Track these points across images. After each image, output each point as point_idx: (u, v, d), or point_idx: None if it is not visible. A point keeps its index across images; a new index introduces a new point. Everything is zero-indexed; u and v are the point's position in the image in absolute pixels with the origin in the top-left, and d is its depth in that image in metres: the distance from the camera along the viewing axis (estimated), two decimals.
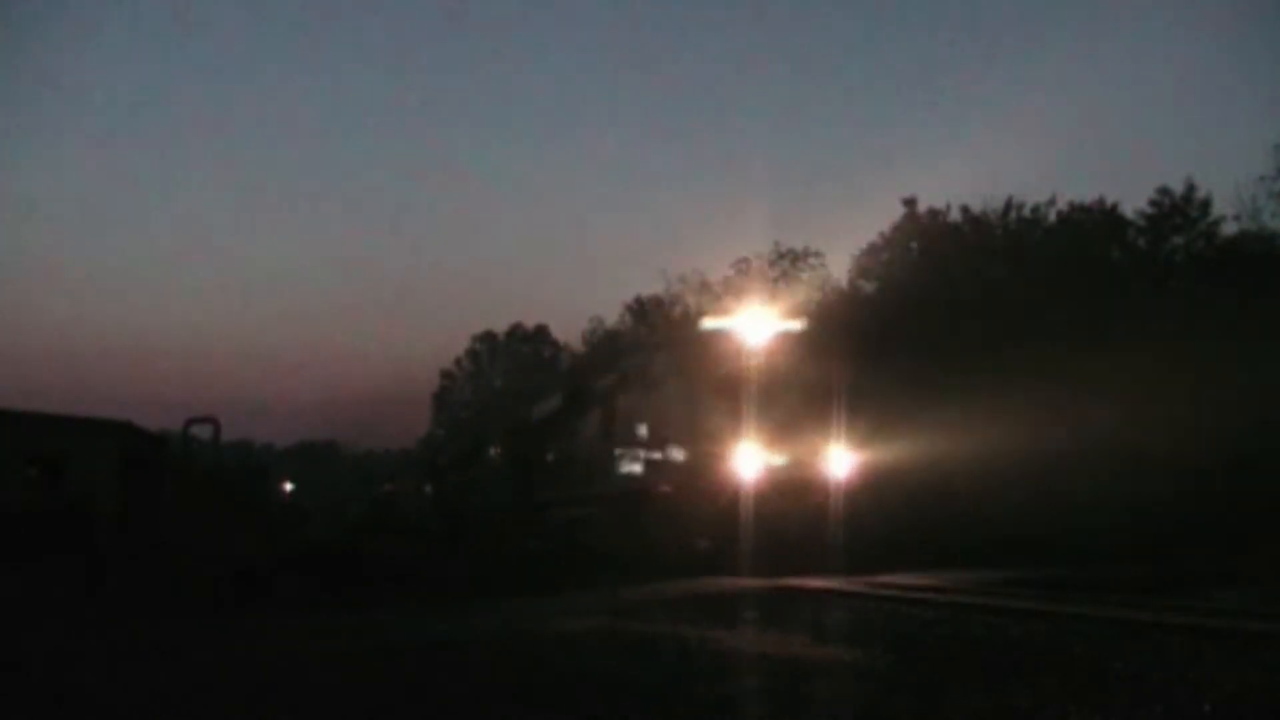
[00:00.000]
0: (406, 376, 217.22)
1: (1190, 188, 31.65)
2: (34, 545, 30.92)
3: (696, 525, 16.18)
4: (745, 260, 55.64)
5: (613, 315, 77.29)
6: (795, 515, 15.48)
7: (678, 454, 17.41)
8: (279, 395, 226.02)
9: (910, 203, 46.55)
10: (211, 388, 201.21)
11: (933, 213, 40.58)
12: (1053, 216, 34.28)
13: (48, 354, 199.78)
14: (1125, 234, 32.74)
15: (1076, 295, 26.54)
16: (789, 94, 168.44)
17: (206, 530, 48.81)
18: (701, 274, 66.43)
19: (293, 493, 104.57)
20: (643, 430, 18.68)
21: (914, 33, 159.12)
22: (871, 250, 41.31)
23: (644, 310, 66.08)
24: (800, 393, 16.40)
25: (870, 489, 16.40)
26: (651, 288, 69.01)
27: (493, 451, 34.74)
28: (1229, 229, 29.98)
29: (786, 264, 54.14)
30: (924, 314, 28.58)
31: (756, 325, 16.70)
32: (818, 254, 53.20)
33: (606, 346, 64.32)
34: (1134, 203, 32.81)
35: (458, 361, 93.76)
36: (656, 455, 17.99)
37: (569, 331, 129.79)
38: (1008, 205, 34.88)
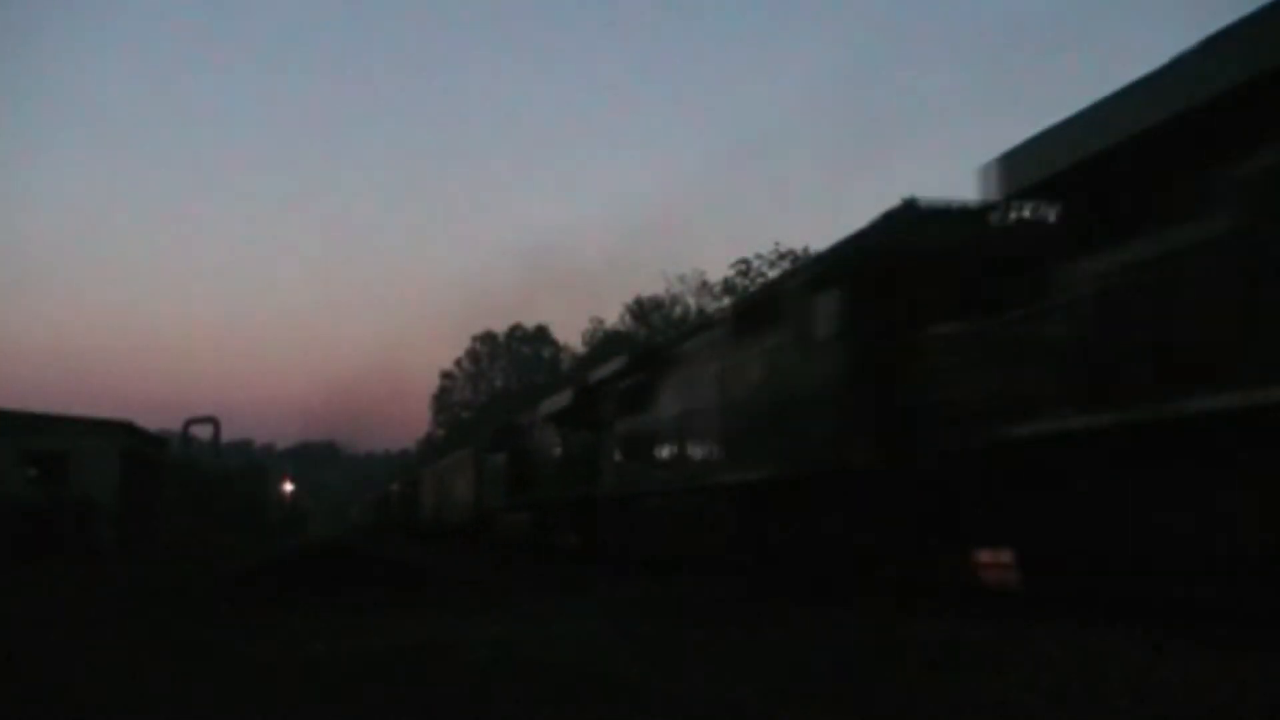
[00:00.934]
0: (406, 377, 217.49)
1: None
2: (34, 544, 30.99)
3: None
4: (745, 261, 55.83)
5: (613, 315, 77.52)
6: None
7: None
8: (279, 395, 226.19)
9: (910, 202, 46.70)
10: (211, 388, 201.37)
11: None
12: (1053, 216, 34.23)
13: (48, 354, 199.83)
14: None
15: None
16: (789, 94, 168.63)
17: (206, 530, 48.67)
18: (702, 274, 66.69)
19: (293, 493, 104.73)
20: None
21: (914, 33, 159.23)
22: None
23: (644, 310, 66.19)
24: None
25: None
26: (651, 288, 69.05)
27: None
28: None
29: (787, 264, 54.24)
30: None
31: None
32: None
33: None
34: None
35: (458, 362, 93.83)
36: None
37: (569, 331, 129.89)
38: (1007, 205, 34.92)
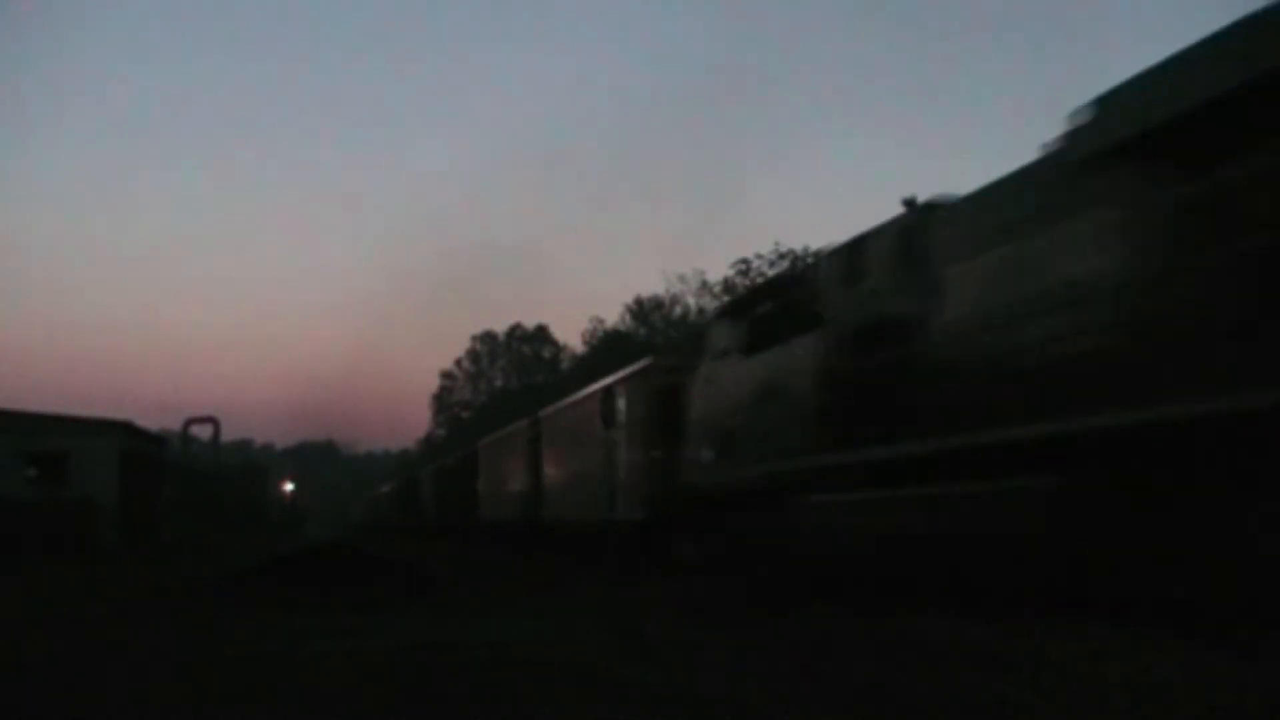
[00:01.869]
0: (406, 377, 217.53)
1: None
2: (34, 544, 30.99)
3: None
4: (745, 260, 55.82)
5: (613, 315, 77.53)
6: None
7: None
8: (279, 395, 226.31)
9: (910, 203, 46.72)
10: (211, 388, 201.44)
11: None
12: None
13: (48, 354, 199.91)
14: None
15: None
16: (789, 94, 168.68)
17: (206, 530, 48.68)
18: (702, 274, 66.67)
19: (293, 493, 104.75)
20: None
21: (915, 32, 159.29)
22: None
23: (644, 310, 66.19)
24: None
25: None
26: (651, 288, 69.00)
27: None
28: None
29: (786, 264, 54.26)
30: None
31: None
32: (818, 254, 53.37)
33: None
34: None
35: (458, 362, 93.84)
36: None
37: (569, 332, 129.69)
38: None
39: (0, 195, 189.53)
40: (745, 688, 6.35)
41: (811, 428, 11.60)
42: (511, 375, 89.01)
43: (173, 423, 65.44)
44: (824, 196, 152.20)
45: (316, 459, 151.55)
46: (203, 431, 58.26)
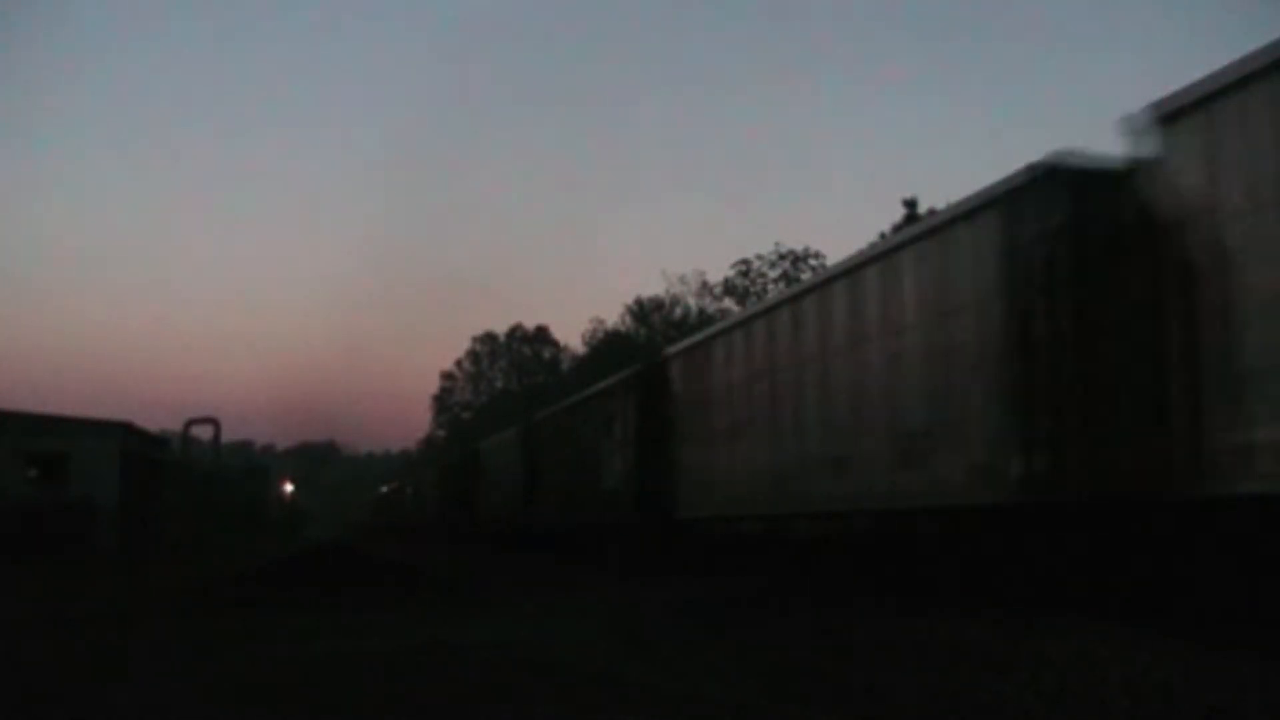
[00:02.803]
0: (406, 377, 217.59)
1: None
2: (35, 544, 30.99)
3: None
4: (745, 261, 55.85)
5: (613, 315, 77.50)
6: None
7: None
8: (279, 395, 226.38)
9: (910, 203, 46.69)
10: (211, 388, 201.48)
11: (933, 213, 40.63)
12: None
13: (48, 354, 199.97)
14: None
15: None
16: (789, 94, 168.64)
17: (206, 530, 48.68)
18: (702, 275, 66.66)
19: (293, 493, 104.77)
20: None
21: (914, 32, 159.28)
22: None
23: (644, 311, 66.19)
24: None
25: None
26: (651, 288, 68.94)
27: None
28: None
29: (787, 264, 54.30)
30: None
31: None
32: (818, 254, 53.37)
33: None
34: None
35: (458, 362, 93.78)
36: None
37: (569, 332, 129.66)
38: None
39: (0, 195, 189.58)
40: (746, 688, 6.35)
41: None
42: (512, 376, 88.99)
43: (173, 423, 65.40)
44: (825, 196, 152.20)
45: (317, 460, 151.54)
46: (203, 432, 58.18)
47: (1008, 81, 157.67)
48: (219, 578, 17.65)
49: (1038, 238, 9.53)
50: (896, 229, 42.84)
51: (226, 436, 68.16)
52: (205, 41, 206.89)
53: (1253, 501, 7.50)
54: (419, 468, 76.41)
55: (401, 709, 6.08)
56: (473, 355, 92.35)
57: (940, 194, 59.09)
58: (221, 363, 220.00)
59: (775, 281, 53.76)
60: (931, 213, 41.28)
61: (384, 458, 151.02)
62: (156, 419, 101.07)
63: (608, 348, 63.85)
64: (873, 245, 14.59)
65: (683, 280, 63.12)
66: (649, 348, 44.99)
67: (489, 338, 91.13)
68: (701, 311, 59.41)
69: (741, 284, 56.31)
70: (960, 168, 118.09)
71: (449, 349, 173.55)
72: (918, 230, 12.53)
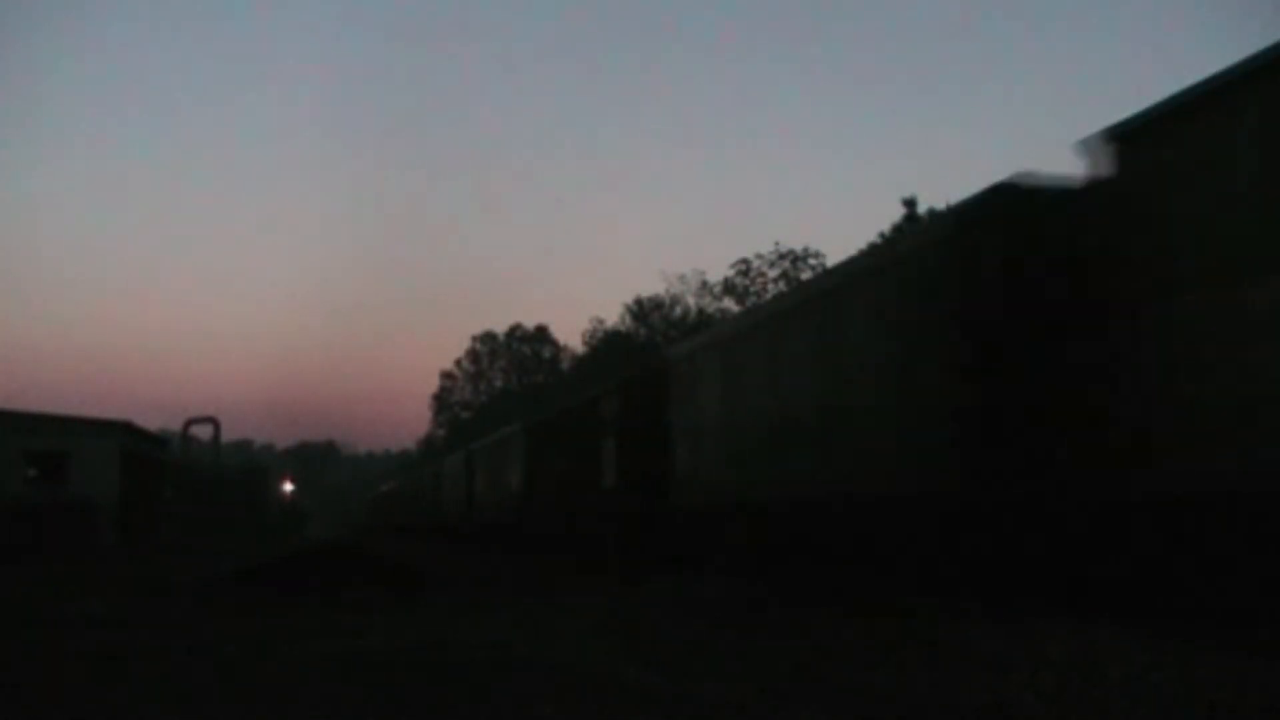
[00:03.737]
0: (406, 377, 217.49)
1: None
2: (35, 544, 31.01)
3: None
4: (745, 261, 55.81)
5: (613, 315, 77.50)
6: None
7: None
8: (279, 395, 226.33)
9: (910, 203, 46.67)
10: (211, 388, 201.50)
11: (932, 213, 40.60)
12: None
13: (48, 354, 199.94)
14: None
15: None
16: (789, 94, 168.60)
17: (206, 530, 48.74)
18: (702, 274, 66.61)
19: (293, 493, 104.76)
20: None
21: (914, 32, 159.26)
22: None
23: (644, 310, 66.18)
24: None
25: None
26: (651, 288, 68.87)
27: None
28: None
29: (787, 264, 54.26)
30: None
31: None
32: (818, 254, 53.34)
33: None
34: None
35: (458, 362, 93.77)
36: None
37: (569, 332, 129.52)
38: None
39: (1, 196, 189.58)
40: (745, 688, 6.35)
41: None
42: (512, 376, 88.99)
43: (173, 423, 65.46)
44: (825, 196, 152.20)
45: (317, 459, 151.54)
46: (203, 432, 58.22)
47: (1008, 82, 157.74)
48: (218, 578, 17.63)
49: (994, 254, 10.01)
50: (897, 229, 42.83)
51: (226, 436, 68.22)
52: (207, 40, 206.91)
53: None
54: (418, 466, 76.45)
55: (401, 709, 6.08)
56: (472, 355, 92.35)
57: (940, 194, 59.08)
58: (221, 363, 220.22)
59: (775, 281, 53.74)
60: (931, 213, 41.31)
61: (384, 457, 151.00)
62: (156, 419, 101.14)
63: (608, 347, 63.85)
64: (851, 257, 15.62)
65: (683, 280, 63.10)
66: (649, 347, 45.00)
67: (489, 337, 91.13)
68: (701, 311, 59.37)
69: (741, 284, 56.26)
70: (960, 168, 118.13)
71: (449, 349, 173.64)
72: (880, 250, 13.73)
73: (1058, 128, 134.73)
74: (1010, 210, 10.02)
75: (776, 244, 60.60)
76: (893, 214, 45.16)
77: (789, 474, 14.54)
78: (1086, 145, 9.19)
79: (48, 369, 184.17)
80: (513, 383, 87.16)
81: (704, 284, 61.02)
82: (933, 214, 39.96)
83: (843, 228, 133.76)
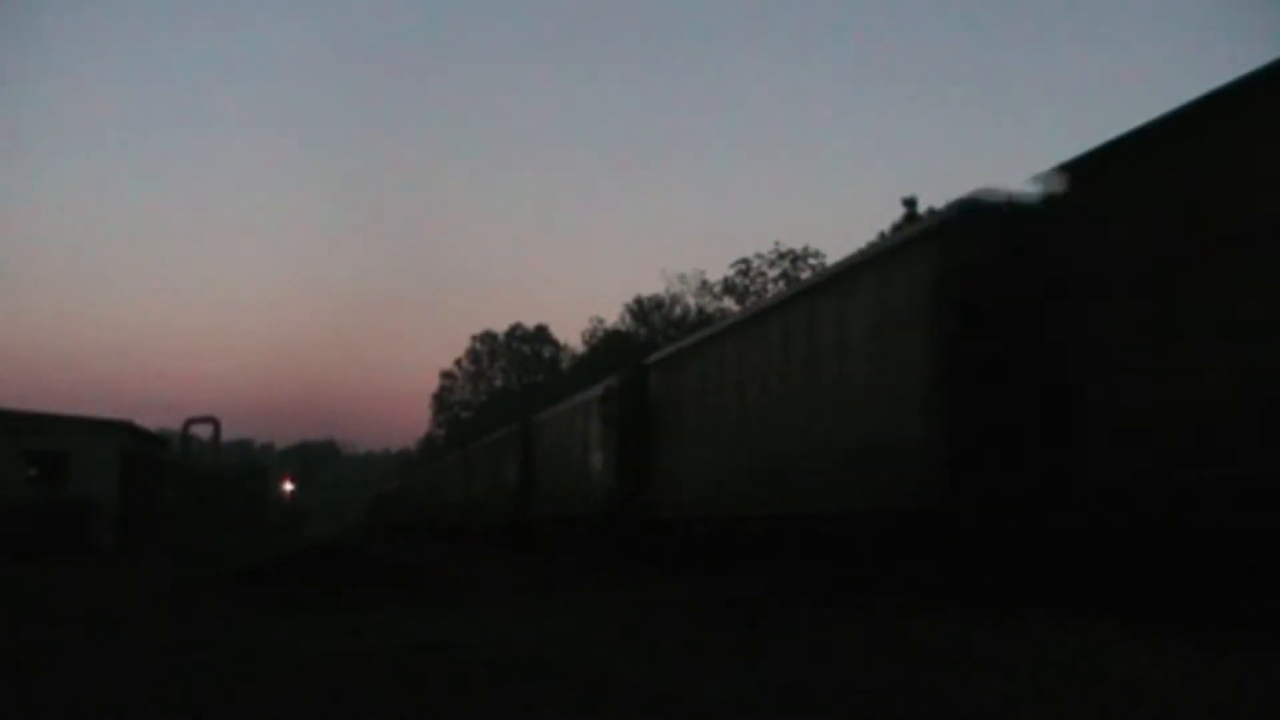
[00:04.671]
0: (406, 376, 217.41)
1: None
2: (34, 543, 30.99)
3: None
4: (745, 260, 55.79)
5: (613, 315, 77.54)
6: None
7: None
8: (279, 395, 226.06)
9: (910, 203, 46.66)
10: (211, 388, 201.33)
11: (932, 213, 40.56)
12: None
13: (48, 354, 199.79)
14: None
15: None
16: (790, 94, 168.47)
17: (206, 530, 48.73)
18: (702, 274, 66.65)
19: (293, 493, 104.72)
20: None
21: (915, 32, 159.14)
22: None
23: (644, 310, 66.16)
24: None
25: None
26: (651, 287, 68.77)
27: None
28: None
29: (786, 264, 54.25)
30: None
31: None
32: (817, 254, 53.35)
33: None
34: None
35: (458, 361, 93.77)
36: None
37: (569, 332, 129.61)
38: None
39: (1, 196, 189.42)
40: (746, 689, 6.35)
41: None
42: (511, 375, 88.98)
43: (173, 423, 65.46)
44: (825, 196, 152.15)
45: (316, 459, 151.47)
46: (203, 431, 58.32)
47: (1007, 82, 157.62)
48: (218, 578, 17.65)
49: (961, 267, 10.61)
50: (896, 228, 42.83)
51: (226, 436, 68.19)
52: (210, 39, 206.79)
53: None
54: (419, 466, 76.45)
55: (401, 709, 6.08)
56: (472, 354, 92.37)
57: (940, 194, 59.13)
58: (221, 363, 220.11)
59: (775, 281, 53.75)
60: (931, 212, 41.27)
61: (384, 457, 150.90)
62: (156, 419, 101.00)
63: (607, 347, 63.84)
64: (824, 267, 16.50)
65: (683, 279, 63.17)
66: (649, 347, 45.04)
67: (489, 337, 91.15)
68: (701, 310, 59.37)
69: (741, 283, 56.28)
70: (960, 168, 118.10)
71: (449, 348, 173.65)
72: (860, 259, 13.79)
73: (1058, 128, 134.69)
74: (973, 224, 10.64)
75: (776, 244, 60.62)
76: (893, 214, 45.23)
77: (761, 490, 14.85)
78: (1040, 178, 10.19)
79: (48, 369, 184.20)
80: (512, 382, 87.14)
81: (704, 284, 61.09)
82: (932, 213, 39.91)
83: (843, 228, 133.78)
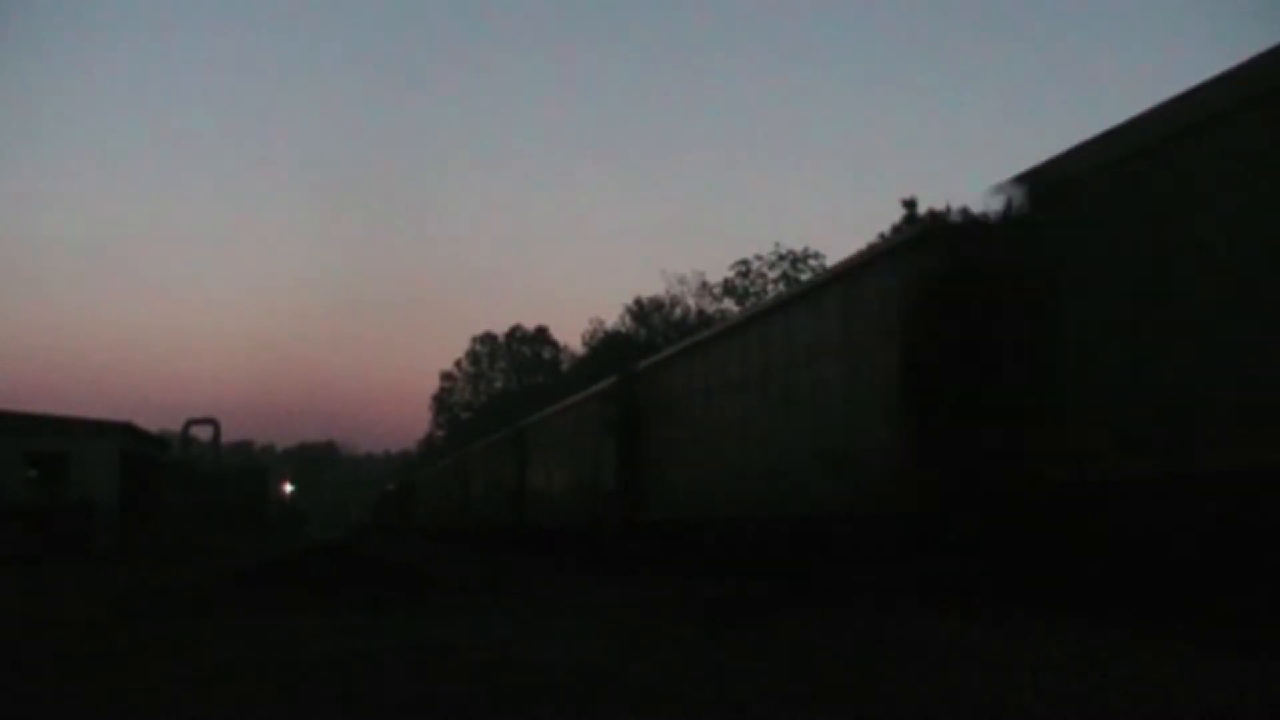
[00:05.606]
0: (406, 377, 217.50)
1: None
2: (34, 544, 30.98)
3: None
4: (745, 261, 55.81)
5: (613, 316, 77.46)
6: None
7: None
8: (279, 395, 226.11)
9: (910, 203, 46.71)
10: (211, 388, 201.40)
11: (932, 213, 40.61)
12: None
13: (48, 354, 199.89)
14: None
15: None
16: (789, 94, 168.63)
17: (206, 531, 48.79)
18: (702, 275, 66.63)
19: (293, 493, 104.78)
20: None
21: (915, 32, 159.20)
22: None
23: (644, 311, 66.16)
24: None
25: None
26: (652, 288, 68.76)
27: None
28: None
29: (787, 265, 54.27)
30: None
31: None
32: (817, 254, 53.37)
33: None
34: None
35: (458, 363, 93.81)
36: None
37: (569, 332, 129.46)
38: (1008, 205, 34.96)
39: (0, 195, 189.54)
40: (745, 689, 6.36)
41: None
42: (511, 376, 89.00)
43: (173, 424, 65.48)
44: (825, 196, 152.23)
45: (316, 460, 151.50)
46: (203, 433, 58.29)
47: (1008, 82, 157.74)
48: (218, 579, 17.66)
49: (922, 282, 11.22)
50: (896, 229, 42.86)
51: (226, 437, 68.16)
52: (212, 36, 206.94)
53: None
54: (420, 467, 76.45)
55: (401, 709, 6.08)
56: (472, 355, 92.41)
57: (940, 194, 58.99)
58: (221, 363, 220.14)
59: (775, 282, 53.76)
60: (931, 213, 41.31)
61: (384, 458, 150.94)
62: (156, 419, 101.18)
63: (607, 348, 63.83)
64: (791, 284, 17.25)
65: (682, 280, 63.18)
66: (649, 348, 45.06)
67: (489, 338, 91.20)
68: (701, 312, 59.38)
69: (741, 284, 56.31)
70: (960, 168, 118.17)
71: (449, 349, 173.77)
72: (829, 275, 14.78)
73: (1058, 128, 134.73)
74: (934, 242, 11.33)
75: (776, 244, 60.72)
76: (893, 214, 45.27)
77: (748, 494, 15.16)
78: (1000, 188, 10.76)
79: (48, 369, 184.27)
80: (512, 383, 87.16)
81: (704, 285, 61.09)
82: (932, 215, 39.94)
83: (843, 228, 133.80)
